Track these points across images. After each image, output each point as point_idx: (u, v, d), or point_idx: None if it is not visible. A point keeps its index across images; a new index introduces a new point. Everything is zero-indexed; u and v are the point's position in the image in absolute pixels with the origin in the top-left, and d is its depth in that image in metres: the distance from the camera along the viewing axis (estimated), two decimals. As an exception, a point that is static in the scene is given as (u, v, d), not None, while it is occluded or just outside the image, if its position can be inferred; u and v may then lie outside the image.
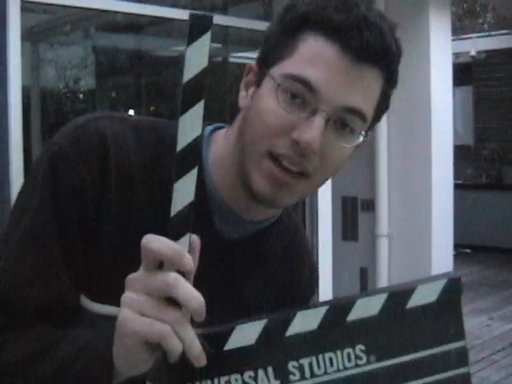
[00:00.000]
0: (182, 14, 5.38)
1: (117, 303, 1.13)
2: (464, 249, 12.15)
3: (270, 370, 1.06)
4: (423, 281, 1.12)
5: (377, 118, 1.27)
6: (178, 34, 7.25)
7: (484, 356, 6.53)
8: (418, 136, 7.39)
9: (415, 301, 1.08)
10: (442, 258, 7.53)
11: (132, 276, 1.01)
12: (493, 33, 13.31)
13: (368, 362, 1.07)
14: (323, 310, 1.06)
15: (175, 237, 0.97)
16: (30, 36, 7.08)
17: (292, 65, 1.19)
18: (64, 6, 4.93)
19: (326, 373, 1.07)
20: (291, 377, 1.06)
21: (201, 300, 0.97)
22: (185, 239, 0.98)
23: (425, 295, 1.08)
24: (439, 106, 7.40)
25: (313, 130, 1.16)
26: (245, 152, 1.23)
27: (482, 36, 13.24)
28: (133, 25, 8.09)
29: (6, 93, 4.27)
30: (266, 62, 1.25)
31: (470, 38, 13.05)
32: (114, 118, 1.28)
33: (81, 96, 10.17)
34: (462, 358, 1.11)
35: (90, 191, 1.20)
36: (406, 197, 7.53)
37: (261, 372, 1.06)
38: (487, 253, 12.33)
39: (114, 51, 9.41)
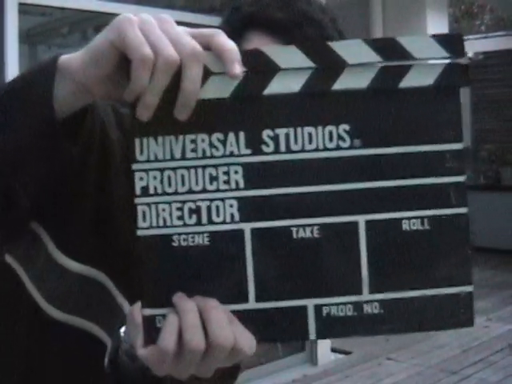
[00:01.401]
0: (180, 16, 5.38)
1: (92, 264, 1.13)
2: (462, 250, 12.12)
3: (241, 135, 0.97)
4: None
5: None
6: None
7: (482, 357, 6.54)
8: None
9: (409, 80, 0.98)
10: (439, 259, 7.54)
11: None
12: (490, 34, 13.34)
13: (351, 146, 0.97)
14: (308, 71, 0.97)
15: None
16: (27, 38, 7.08)
17: None
18: (62, 8, 4.94)
19: (303, 150, 0.97)
20: (264, 147, 0.97)
21: (236, 48, 0.92)
22: None
23: (421, 76, 0.98)
24: (437, 107, 7.41)
25: None
26: None
27: (480, 37, 13.26)
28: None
29: (3, 95, 4.26)
30: None
31: (467, 39, 13.07)
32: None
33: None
34: (459, 161, 1.02)
35: (99, 134, 1.20)
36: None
37: (231, 135, 0.97)
38: (485, 254, 12.32)
39: (112, 53, 9.41)
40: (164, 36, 0.90)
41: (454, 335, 7.32)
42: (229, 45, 0.92)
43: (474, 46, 12.78)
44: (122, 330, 1.16)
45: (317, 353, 6.41)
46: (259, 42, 1.22)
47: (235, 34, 1.24)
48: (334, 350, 6.67)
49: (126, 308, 1.21)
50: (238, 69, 0.92)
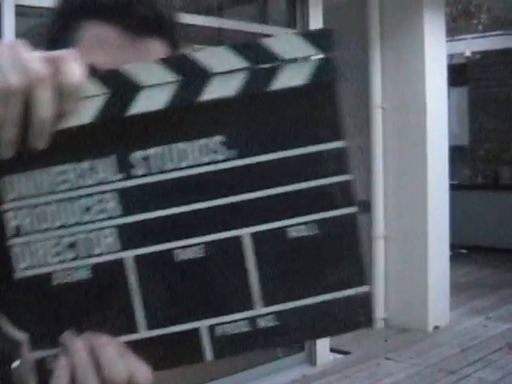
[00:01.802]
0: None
1: None
2: (460, 249, 12.16)
3: (111, 160, 0.92)
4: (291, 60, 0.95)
5: None
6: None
7: (481, 356, 6.54)
8: (413, 137, 7.41)
9: (280, 82, 0.93)
10: (438, 258, 7.55)
11: None
12: (487, 33, 13.35)
13: (228, 158, 0.93)
14: (173, 85, 0.92)
15: None
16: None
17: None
18: (59, 9, 4.92)
19: (177, 168, 0.92)
20: (136, 170, 0.92)
21: (77, 82, 0.89)
22: None
23: (291, 76, 0.93)
24: (434, 106, 7.42)
25: None
26: None
27: (477, 37, 13.28)
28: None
29: (1, 97, 4.26)
30: None
31: (464, 38, 13.09)
32: None
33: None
34: (341, 160, 0.94)
35: None
36: (402, 198, 7.55)
37: (101, 162, 0.92)
38: (483, 253, 12.34)
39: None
40: (12, 87, 0.85)
41: (452, 334, 7.33)
42: (72, 77, 0.89)
43: (472, 45, 12.79)
44: (14, 365, 1.08)
45: (316, 353, 6.41)
46: (94, 29, 1.20)
47: (69, 26, 1.23)
48: (332, 350, 6.67)
49: (12, 332, 1.19)
50: (70, 106, 0.89)
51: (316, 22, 6.27)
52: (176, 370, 0.97)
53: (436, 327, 7.53)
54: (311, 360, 6.42)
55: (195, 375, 5.66)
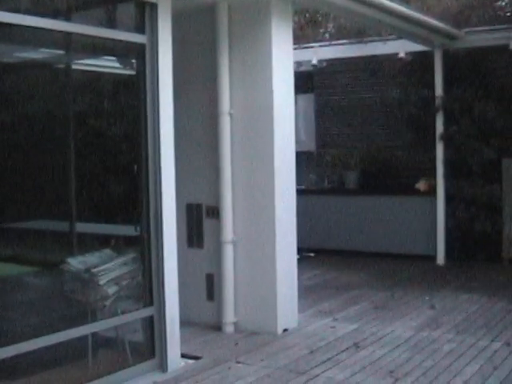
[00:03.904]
0: (23, 20, 5.24)
1: None
2: (308, 252, 12.42)
3: None
4: None
5: None
6: (19, 40, 7.08)
7: (329, 356, 6.68)
8: (260, 143, 7.50)
9: None
10: (286, 262, 7.67)
11: None
12: (334, 42, 13.66)
13: None
14: None
15: None
16: None
17: None
18: None
19: None
20: None
21: None
22: None
23: None
24: (281, 113, 7.53)
25: None
26: None
27: (324, 45, 13.56)
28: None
29: None
30: None
31: (311, 47, 13.34)
32: None
33: None
34: None
35: None
36: (250, 203, 7.62)
37: None
38: (330, 256, 12.64)
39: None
40: None
41: (301, 336, 7.46)
42: None
43: (318, 53, 13.06)
44: None
45: (167, 359, 6.38)
46: None
47: None
48: (184, 356, 6.65)
49: None
50: None
51: (165, 29, 6.25)
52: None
53: (285, 330, 7.64)
54: (162, 366, 6.38)
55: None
